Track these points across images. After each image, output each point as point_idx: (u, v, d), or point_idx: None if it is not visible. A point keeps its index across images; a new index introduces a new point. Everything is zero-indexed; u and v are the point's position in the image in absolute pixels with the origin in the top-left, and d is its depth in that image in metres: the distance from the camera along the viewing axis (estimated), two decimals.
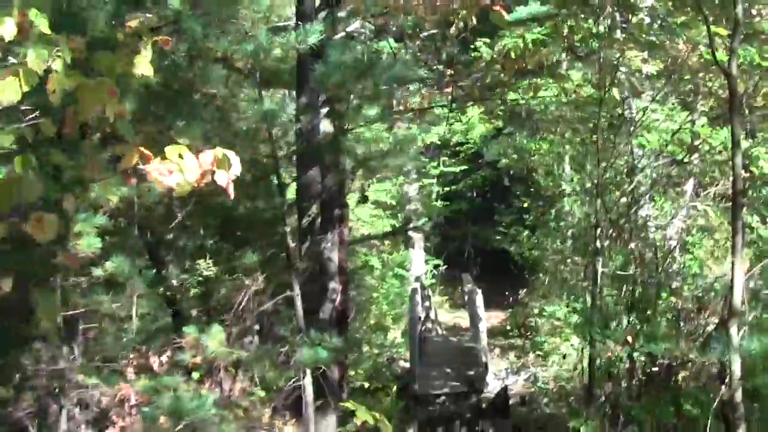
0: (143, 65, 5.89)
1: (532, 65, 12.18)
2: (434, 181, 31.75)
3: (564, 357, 18.38)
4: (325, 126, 11.79)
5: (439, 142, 28.34)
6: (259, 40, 9.30)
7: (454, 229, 34.54)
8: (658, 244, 13.68)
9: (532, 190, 23.73)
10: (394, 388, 13.99)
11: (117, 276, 9.96)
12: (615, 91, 12.03)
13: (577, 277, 18.46)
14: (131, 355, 11.12)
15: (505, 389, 18.32)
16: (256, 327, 11.71)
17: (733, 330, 7.12)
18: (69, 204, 6.58)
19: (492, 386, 19.43)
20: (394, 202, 25.52)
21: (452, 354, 19.33)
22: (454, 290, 31.48)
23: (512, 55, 12.19)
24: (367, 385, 13.21)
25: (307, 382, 10.30)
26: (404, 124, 22.02)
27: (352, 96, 10.93)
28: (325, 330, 11.23)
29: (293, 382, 10.43)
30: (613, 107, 13.14)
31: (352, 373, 16.12)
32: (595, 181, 12.43)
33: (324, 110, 11.82)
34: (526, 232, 24.13)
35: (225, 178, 5.90)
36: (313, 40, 9.34)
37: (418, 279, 21.17)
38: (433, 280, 30.94)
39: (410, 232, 27.50)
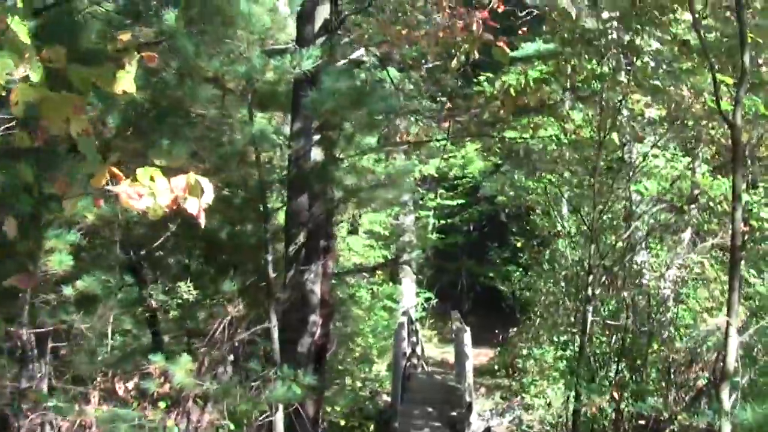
0: (126, 81, 5.58)
1: (533, 103, 11.85)
2: (431, 213, 31.44)
3: (549, 405, 17.78)
4: (317, 153, 11.46)
5: (436, 175, 28.03)
6: (252, 62, 9.00)
7: (449, 262, 34.17)
8: (651, 292, 13.32)
9: (527, 228, 23.37)
10: (371, 427, 13.49)
11: (88, 294, 9.59)
12: (615, 135, 11.68)
13: (567, 321, 18.11)
14: (99, 378, 10.68)
15: (488, 430, 17.93)
16: (231, 357, 11.25)
17: (725, 395, 6.73)
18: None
19: (475, 426, 19.06)
20: (387, 233, 25.03)
21: (436, 392, 18.84)
22: (444, 324, 30.86)
23: (512, 91, 11.87)
24: (343, 422, 12.71)
25: (278, 418, 9.91)
26: (400, 156, 21.84)
27: (346, 124, 10.57)
28: (301, 364, 10.85)
29: (264, 418, 10.00)
30: (613, 151, 12.79)
31: (329, 408, 15.70)
32: (591, 225, 12.04)
33: (317, 137, 11.48)
34: (519, 272, 23.72)
35: (196, 206, 5.55)
36: (308, 66, 9.00)
37: (405, 312, 20.66)
38: (424, 314, 30.63)
39: (402, 264, 27.37)
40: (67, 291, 9.28)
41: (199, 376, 10.08)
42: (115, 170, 5.34)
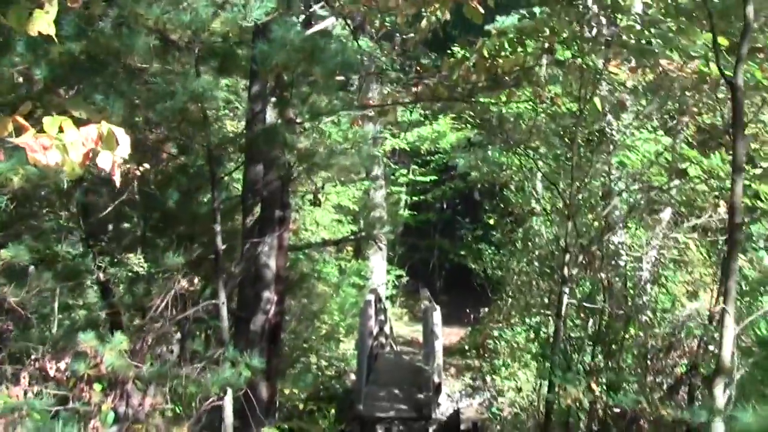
0: (42, 22, 4.82)
1: (507, 68, 10.80)
2: (403, 189, 30.55)
3: (519, 390, 16.93)
4: (272, 116, 10.42)
5: (408, 149, 27.06)
6: (197, 10, 7.95)
7: (421, 240, 33.57)
8: (629, 274, 12.39)
9: (501, 206, 22.42)
10: (332, 411, 12.52)
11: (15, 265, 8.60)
12: (597, 100, 10.66)
13: (541, 302, 17.26)
14: (32, 357, 9.64)
15: (457, 413, 17.22)
16: (178, 335, 10.25)
17: (718, 391, 5.85)
18: None
19: (444, 407, 18.39)
20: (357, 208, 23.96)
21: (404, 373, 17.94)
22: (415, 303, 29.94)
23: (485, 53, 10.85)
24: (302, 405, 11.70)
25: (227, 401, 8.96)
26: (368, 125, 20.89)
27: (301, 84, 9.56)
28: (254, 343, 9.91)
29: (212, 402, 9.03)
30: (592, 122, 11.79)
31: (287, 391, 14.67)
32: (568, 201, 11.08)
33: (273, 99, 10.46)
34: (490, 250, 22.76)
35: (109, 161, 4.63)
36: (258, 15, 8.00)
37: (373, 290, 19.66)
38: (394, 291, 29.93)
39: (370, 240, 26.37)
40: None
41: (139, 357, 9.10)
42: (21, 120, 4.57)
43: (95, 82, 8.08)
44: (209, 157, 9.21)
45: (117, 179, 4.82)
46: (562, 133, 11.80)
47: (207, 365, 8.68)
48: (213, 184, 9.20)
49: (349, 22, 13.73)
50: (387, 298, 28.36)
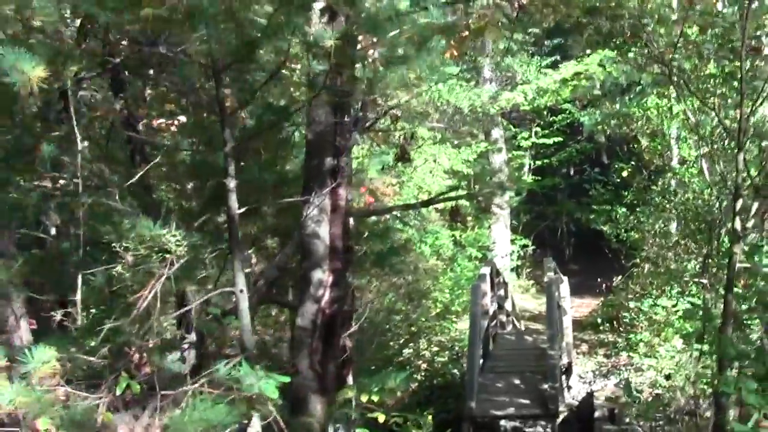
0: None
1: None
2: (525, 153, 27.11)
3: (661, 371, 14.05)
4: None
5: (529, 109, 23.45)
6: None
7: (547, 206, 30.42)
8: None
9: (632, 163, 18.80)
10: (429, 418, 9.10)
11: None
12: None
13: (685, 267, 13.74)
14: None
15: (590, 396, 14.09)
16: (190, 336, 7.03)
17: None
18: None
19: (575, 390, 15.49)
20: (471, 172, 20.43)
21: (526, 357, 14.51)
22: (543, 274, 26.35)
23: None
24: (382, 418, 8.38)
25: (255, 425, 5.85)
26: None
27: None
28: (301, 344, 6.75)
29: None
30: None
31: (365, 398, 11.29)
32: (739, 125, 7.32)
33: None
34: (623, 210, 19.08)
35: None
36: None
37: (489, 262, 16.17)
38: (519, 262, 26.56)
39: (495, 208, 23.20)
40: None
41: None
42: None
43: None
44: (218, 97, 6.02)
45: None
46: (720, 41, 8.11)
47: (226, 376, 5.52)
48: (220, 106, 6.02)
49: None
50: (511, 269, 25.41)
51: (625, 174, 18.88)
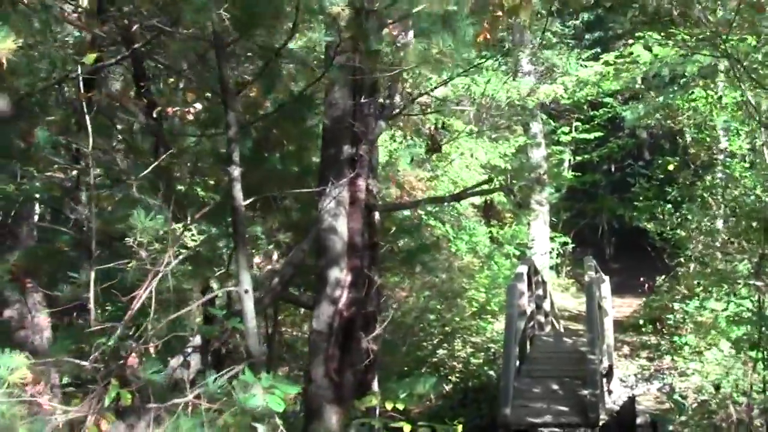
0: None
1: None
2: (565, 149, 26.24)
3: (718, 389, 12.96)
4: None
5: (569, 103, 22.57)
6: None
7: (587, 203, 29.39)
8: None
9: (677, 158, 17.92)
10: (459, 428, 8.29)
11: None
12: None
13: (735, 268, 12.95)
14: None
15: (632, 401, 13.42)
16: (196, 341, 6.29)
17: None
18: None
19: (616, 395, 14.69)
20: (509, 166, 19.57)
21: (565, 361, 13.66)
22: (583, 272, 25.49)
23: None
24: (407, 429, 7.60)
25: None
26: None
27: None
28: (316, 349, 6.05)
29: None
30: None
31: (390, 405, 10.51)
32: None
33: None
34: (668, 206, 18.16)
35: None
36: None
37: (527, 260, 15.29)
38: (559, 261, 25.81)
39: (534, 205, 22.38)
40: None
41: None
42: None
43: None
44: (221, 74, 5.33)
45: None
46: None
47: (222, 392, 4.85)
48: (222, 85, 5.33)
49: None
50: (551, 268, 24.59)
51: (671, 168, 17.93)
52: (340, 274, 6.57)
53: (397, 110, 8.04)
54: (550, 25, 24.06)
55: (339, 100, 6.65)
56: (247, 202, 5.41)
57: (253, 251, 9.10)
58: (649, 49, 16.15)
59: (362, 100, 6.73)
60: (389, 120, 8.06)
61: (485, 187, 9.96)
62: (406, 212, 10.18)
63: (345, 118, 6.67)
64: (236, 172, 5.29)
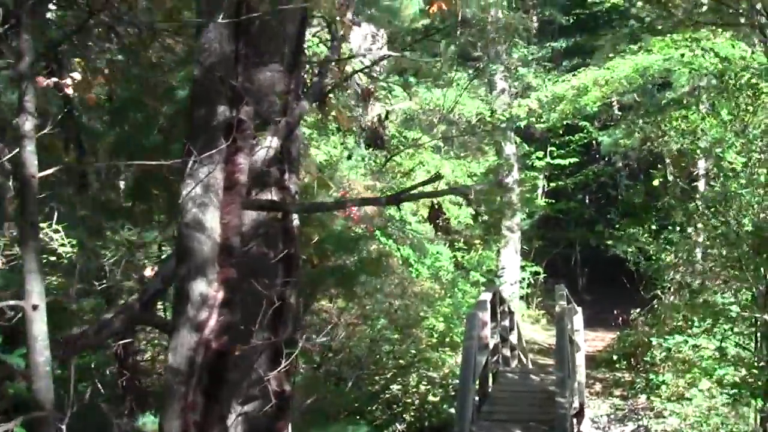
0: None
1: None
2: (539, 176, 24.74)
3: (685, 418, 12.55)
4: None
5: (544, 124, 20.88)
6: None
7: (559, 231, 27.98)
8: None
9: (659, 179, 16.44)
10: None
11: None
12: None
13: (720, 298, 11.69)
14: None
15: None
16: None
17: None
18: None
19: None
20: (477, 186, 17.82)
21: (531, 403, 11.66)
22: (555, 303, 23.92)
23: None
24: None
25: None
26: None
27: None
28: (171, 394, 4.08)
29: None
30: None
31: None
32: None
33: None
34: (646, 235, 16.53)
35: None
36: None
37: (491, 288, 13.36)
38: (529, 290, 24.12)
39: (505, 231, 20.68)
40: None
41: None
42: None
43: None
44: None
45: None
46: None
47: None
48: None
49: None
50: (521, 298, 23.01)
51: (656, 183, 16.24)
52: (206, 288, 4.47)
53: (328, 89, 6.13)
54: (526, 46, 22.68)
55: (214, 44, 4.64)
56: (47, 172, 3.47)
57: (145, 261, 7.17)
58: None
59: (251, 47, 4.74)
60: (316, 102, 6.15)
61: (429, 188, 7.84)
62: (339, 224, 8.22)
63: (220, 67, 4.63)
64: (28, 124, 3.36)
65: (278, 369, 5.46)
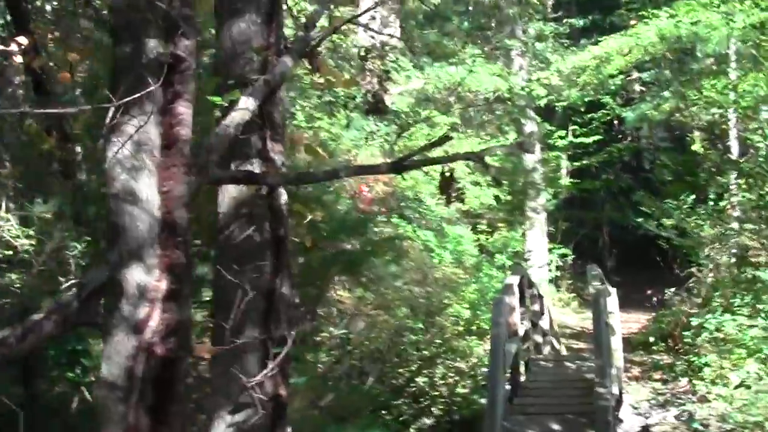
0: None
1: None
2: (562, 155, 24.02)
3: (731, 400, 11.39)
4: None
5: (564, 102, 19.87)
6: None
7: (586, 211, 27.26)
8: None
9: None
10: None
11: None
12: None
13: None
14: None
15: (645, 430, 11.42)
16: None
17: None
18: None
19: (628, 425, 11.92)
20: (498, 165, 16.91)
21: (567, 392, 10.87)
22: (584, 285, 23.01)
23: None
24: None
25: None
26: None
27: None
28: (109, 413, 3.06)
29: None
30: None
31: None
32: None
33: None
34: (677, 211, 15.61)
35: None
36: None
37: (518, 272, 12.38)
38: (558, 273, 23.20)
39: (530, 212, 19.79)
40: None
41: None
42: None
43: None
44: None
45: None
46: None
47: None
48: None
49: None
50: (550, 281, 22.07)
51: (695, 147, 15.30)
52: (145, 276, 3.35)
53: (314, 42, 5.13)
54: (543, 20, 21.71)
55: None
56: None
57: None
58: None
59: None
60: (303, 57, 5.15)
61: (437, 152, 6.70)
62: (344, 205, 7.19)
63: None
64: None
65: (268, 370, 4.57)
